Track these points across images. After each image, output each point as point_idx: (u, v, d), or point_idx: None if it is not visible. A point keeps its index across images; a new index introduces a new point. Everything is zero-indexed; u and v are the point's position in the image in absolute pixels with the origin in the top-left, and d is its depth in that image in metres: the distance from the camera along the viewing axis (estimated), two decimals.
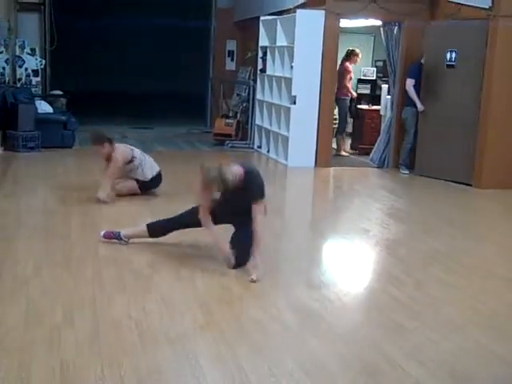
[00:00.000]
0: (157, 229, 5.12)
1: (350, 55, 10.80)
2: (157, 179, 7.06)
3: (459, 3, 8.70)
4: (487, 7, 8.23)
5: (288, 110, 9.68)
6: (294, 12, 9.39)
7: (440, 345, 3.64)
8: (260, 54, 10.91)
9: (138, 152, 6.97)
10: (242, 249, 4.67)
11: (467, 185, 8.59)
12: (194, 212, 4.87)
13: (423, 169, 9.25)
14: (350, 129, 11.63)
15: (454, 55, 8.71)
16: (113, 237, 5.20)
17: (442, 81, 8.89)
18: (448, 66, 8.80)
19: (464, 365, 3.42)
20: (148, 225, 5.15)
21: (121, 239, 5.18)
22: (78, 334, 3.51)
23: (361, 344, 3.60)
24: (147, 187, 7.02)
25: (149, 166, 6.99)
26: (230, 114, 12.23)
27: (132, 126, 13.33)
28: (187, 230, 5.07)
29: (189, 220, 4.94)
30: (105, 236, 5.23)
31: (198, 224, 4.85)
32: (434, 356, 3.47)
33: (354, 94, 11.00)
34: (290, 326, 3.82)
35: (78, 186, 7.42)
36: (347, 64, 10.73)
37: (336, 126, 10.87)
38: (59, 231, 5.57)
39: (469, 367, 3.40)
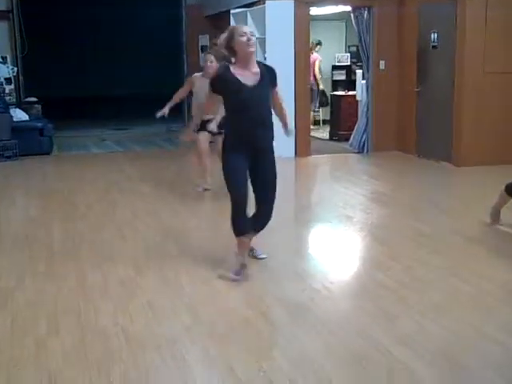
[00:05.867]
0: None
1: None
2: None
3: None
4: None
5: None
6: (264, 3, 9.35)
7: (429, 328, 3.64)
8: None
9: None
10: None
11: (448, 163, 8.64)
12: None
13: (410, 148, 9.47)
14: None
15: (435, 36, 8.80)
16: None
17: (429, 61, 9.01)
18: (433, 46, 8.91)
19: (454, 347, 3.42)
20: None
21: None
22: (65, 344, 3.47)
23: (349, 333, 3.59)
24: None
25: None
26: None
27: (109, 128, 13.24)
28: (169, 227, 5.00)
29: None
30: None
31: None
32: (423, 340, 3.47)
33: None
34: (278, 321, 3.81)
35: (57, 193, 7.38)
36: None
37: None
38: (41, 240, 5.51)
39: (458, 349, 3.40)
